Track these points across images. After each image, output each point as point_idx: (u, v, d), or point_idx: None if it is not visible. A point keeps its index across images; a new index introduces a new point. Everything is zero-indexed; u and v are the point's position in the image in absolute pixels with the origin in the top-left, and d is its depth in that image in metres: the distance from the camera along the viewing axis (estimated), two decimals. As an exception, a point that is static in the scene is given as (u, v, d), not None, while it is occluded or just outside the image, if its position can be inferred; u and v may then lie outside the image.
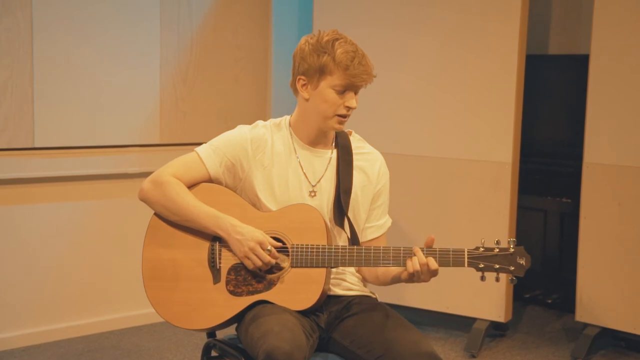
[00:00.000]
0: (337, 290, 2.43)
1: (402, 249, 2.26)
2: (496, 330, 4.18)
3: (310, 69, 2.33)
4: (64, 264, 4.01)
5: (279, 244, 2.31)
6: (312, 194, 2.40)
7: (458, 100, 3.99)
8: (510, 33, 3.81)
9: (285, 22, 4.70)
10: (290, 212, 2.34)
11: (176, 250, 2.37)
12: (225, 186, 2.42)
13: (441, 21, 3.98)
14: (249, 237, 2.28)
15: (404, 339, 2.24)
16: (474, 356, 3.92)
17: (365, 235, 2.48)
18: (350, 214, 2.41)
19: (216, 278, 2.34)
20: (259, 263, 2.27)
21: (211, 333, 2.51)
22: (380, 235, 2.50)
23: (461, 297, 4.02)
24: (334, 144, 2.47)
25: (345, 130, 2.51)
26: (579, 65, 4.15)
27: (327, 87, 2.32)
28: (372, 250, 2.28)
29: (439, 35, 4.00)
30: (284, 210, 2.36)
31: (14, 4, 3.71)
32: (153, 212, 2.42)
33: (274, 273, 2.31)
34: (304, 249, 2.29)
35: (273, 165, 2.40)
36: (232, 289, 2.32)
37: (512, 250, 2.23)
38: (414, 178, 4.06)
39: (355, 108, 2.35)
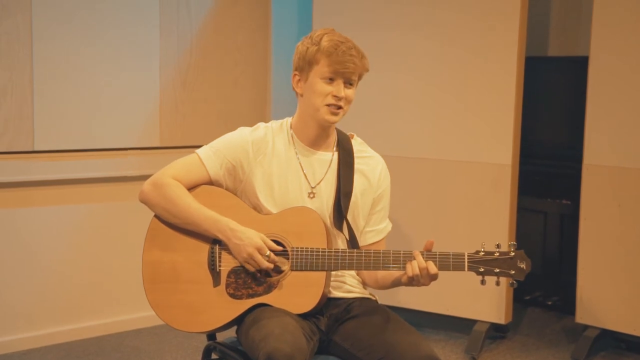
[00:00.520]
0: (337, 293, 2.43)
1: (402, 252, 2.26)
2: (496, 332, 4.18)
3: (301, 63, 2.36)
4: (65, 267, 4.01)
5: (279, 248, 2.31)
6: (312, 196, 2.40)
7: (458, 102, 3.99)
8: (510, 34, 3.81)
9: (285, 24, 4.70)
10: (290, 215, 2.34)
11: (176, 253, 2.37)
12: (226, 188, 2.42)
13: (441, 22, 3.98)
14: (247, 242, 2.28)
15: (404, 341, 2.24)
16: (474, 358, 3.91)
17: (365, 239, 2.48)
18: (349, 217, 2.41)
19: (216, 281, 2.33)
20: (257, 269, 2.28)
21: (211, 336, 2.51)
22: (380, 240, 2.50)
23: (461, 299, 4.01)
24: (335, 146, 2.47)
25: (348, 134, 2.51)
26: (578, 67, 4.15)
27: (315, 77, 2.33)
28: (372, 254, 2.27)
29: (439, 36, 4.00)
30: (284, 213, 2.35)
31: (14, 7, 3.71)
32: (153, 214, 2.42)
33: (274, 276, 2.31)
34: (304, 252, 2.29)
35: (273, 166, 2.40)
36: (232, 291, 2.32)
37: (513, 254, 2.23)
38: (413, 180, 4.06)
39: (343, 97, 2.32)
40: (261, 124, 2.47)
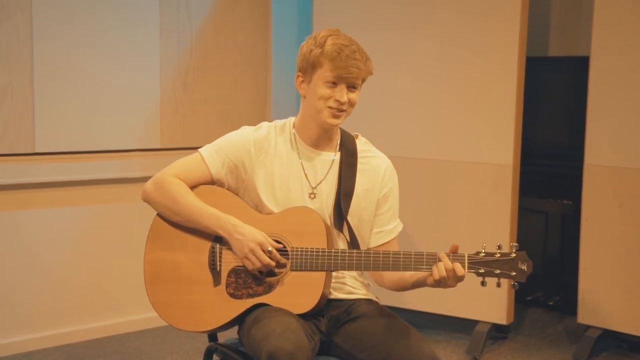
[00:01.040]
0: (338, 294, 2.42)
1: (402, 253, 2.25)
2: (498, 332, 4.17)
3: (304, 65, 2.35)
4: (66, 268, 4.01)
5: (280, 245, 2.30)
6: (312, 196, 2.40)
7: (458, 102, 3.99)
8: (511, 34, 3.81)
9: (285, 24, 4.70)
10: (290, 215, 2.34)
11: (177, 253, 2.37)
12: (228, 187, 2.42)
13: (441, 22, 3.98)
14: (249, 237, 2.27)
15: (405, 342, 2.23)
16: (476, 359, 3.91)
17: (375, 240, 2.46)
18: (352, 219, 2.40)
19: (216, 280, 2.33)
20: (258, 264, 2.27)
21: (213, 337, 2.51)
22: (391, 240, 2.48)
23: (463, 300, 4.01)
24: (338, 147, 2.46)
25: (352, 134, 2.50)
26: (579, 67, 4.15)
27: (318, 80, 2.32)
28: (371, 255, 2.27)
29: (439, 36, 3.99)
30: (285, 212, 2.35)
31: (14, 9, 3.71)
32: (154, 215, 2.42)
33: (274, 276, 2.30)
34: (304, 252, 2.28)
35: (275, 166, 2.40)
36: (232, 291, 2.32)
37: (514, 255, 2.22)
38: (414, 181, 4.06)
39: (345, 102, 2.32)
40: (264, 124, 2.47)
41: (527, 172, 4.31)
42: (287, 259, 2.30)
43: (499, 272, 2.21)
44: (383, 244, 2.47)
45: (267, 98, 4.66)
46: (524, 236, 4.09)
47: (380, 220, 2.47)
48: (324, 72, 2.30)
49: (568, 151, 4.59)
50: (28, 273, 3.90)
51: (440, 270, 2.20)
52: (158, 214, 2.42)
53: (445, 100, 4.01)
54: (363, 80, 2.37)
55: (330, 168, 2.43)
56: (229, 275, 2.33)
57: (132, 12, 4.08)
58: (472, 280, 2.32)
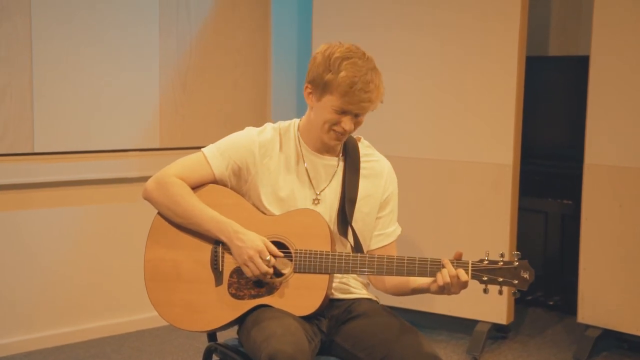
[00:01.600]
0: (339, 294, 2.42)
1: (406, 258, 2.24)
2: (498, 332, 4.17)
3: (315, 81, 2.30)
4: (65, 268, 4.00)
5: (280, 254, 2.29)
6: (316, 202, 2.39)
7: (458, 102, 3.98)
8: (511, 33, 3.81)
9: (285, 24, 4.70)
10: (294, 217, 2.33)
11: (178, 251, 2.37)
12: (230, 188, 2.41)
13: (441, 22, 3.98)
14: (249, 244, 2.26)
15: (405, 342, 2.23)
16: (476, 358, 3.91)
17: (374, 243, 2.46)
18: (356, 224, 2.39)
19: (218, 280, 2.33)
20: (257, 272, 2.26)
21: (212, 337, 2.51)
22: (389, 244, 2.47)
23: (463, 300, 3.97)
24: (341, 152, 2.45)
25: (355, 137, 2.49)
26: (579, 66, 4.15)
27: (327, 103, 2.28)
28: (375, 258, 2.26)
29: (439, 36, 3.99)
30: (289, 214, 2.34)
31: (13, 9, 3.71)
32: (155, 213, 2.41)
33: (277, 277, 2.30)
34: (307, 255, 2.28)
35: (279, 170, 2.38)
36: (234, 292, 2.31)
37: (517, 263, 2.21)
38: (413, 180, 4.06)
39: (351, 130, 2.31)
40: (268, 125, 2.44)
41: (527, 172, 4.31)
42: (291, 260, 2.29)
43: (501, 280, 2.21)
44: (383, 247, 2.46)
45: (266, 98, 4.65)
46: (524, 236, 4.09)
47: (380, 223, 2.47)
48: (334, 101, 2.27)
49: (568, 151, 4.58)
50: (28, 273, 3.90)
51: (444, 276, 2.20)
52: (159, 213, 2.41)
53: (445, 100, 4.01)
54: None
55: (334, 174, 2.42)
56: (231, 276, 2.32)
57: (131, 13, 4.07)
58: (472, 280, 2.32)
